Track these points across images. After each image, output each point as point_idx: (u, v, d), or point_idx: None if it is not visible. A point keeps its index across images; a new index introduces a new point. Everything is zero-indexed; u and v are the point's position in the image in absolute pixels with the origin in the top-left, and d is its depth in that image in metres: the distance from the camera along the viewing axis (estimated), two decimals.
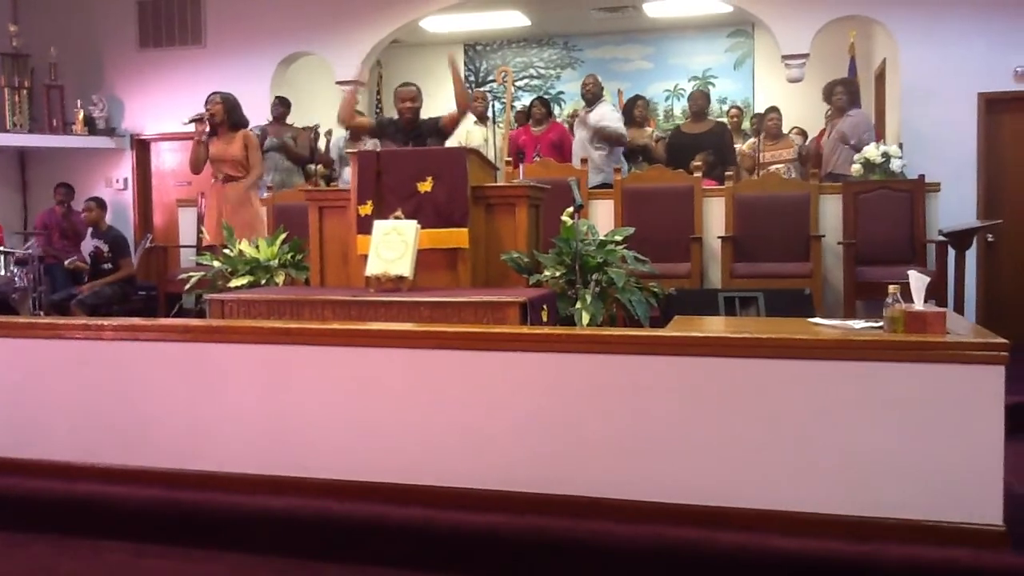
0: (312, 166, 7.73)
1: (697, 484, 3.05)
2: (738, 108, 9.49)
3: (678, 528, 2.98)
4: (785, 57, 7.26)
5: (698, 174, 6.57)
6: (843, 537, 2.87)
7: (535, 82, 10.98)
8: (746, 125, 9.10)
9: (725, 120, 8.87)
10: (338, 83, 8.07)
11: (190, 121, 5.96)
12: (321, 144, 8.03)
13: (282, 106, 7.84)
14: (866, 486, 2.92)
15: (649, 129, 8.27)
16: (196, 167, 6.08)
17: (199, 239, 6.81)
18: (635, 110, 8.04)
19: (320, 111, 8.52)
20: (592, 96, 7.29)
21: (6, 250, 7.24)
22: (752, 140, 7.80)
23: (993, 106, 6.80)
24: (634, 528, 3.00)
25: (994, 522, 2.83)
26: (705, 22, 9.95)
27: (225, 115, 5.97)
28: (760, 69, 10.26)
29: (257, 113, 7.11)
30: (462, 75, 6.30)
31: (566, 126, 8.12)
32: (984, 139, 6.80)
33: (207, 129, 5.97)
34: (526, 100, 10.38)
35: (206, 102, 6.06)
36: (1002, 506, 2.84)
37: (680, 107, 10.42)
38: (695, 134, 7.54)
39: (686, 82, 10.47)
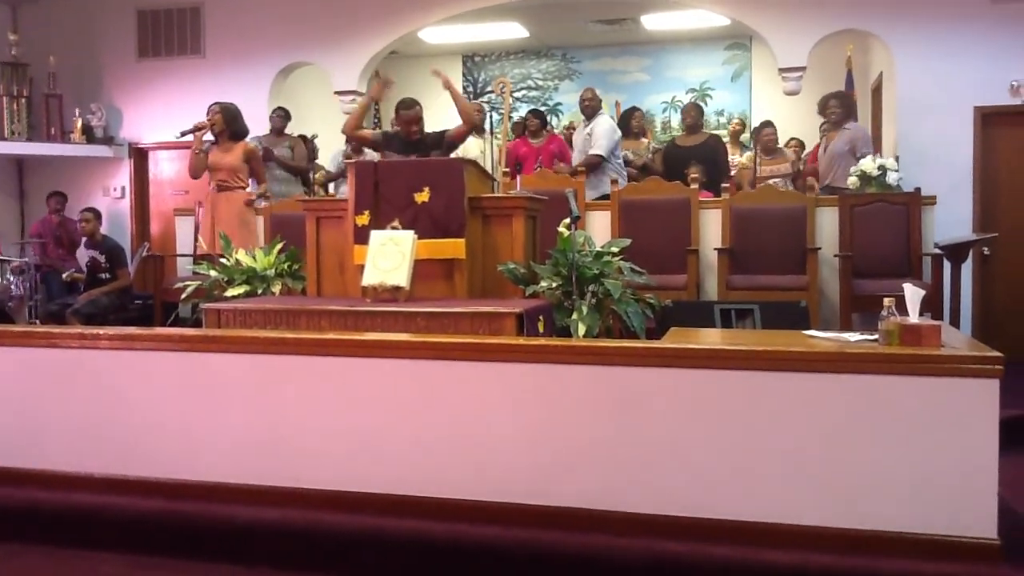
0: (313, 175, 7.74)
1: (691, 496, 3.05)
2: (740, 120, 9.52)
3: (672, 541, 2.97)
4: (782, 70, 7.28)
5: (695, 186, 6.58)
6: (837, 550, 2.87)
7: (533, 93, 11.03)
8: (745, 136, 9.14)
9: (720, 132, 8.90)
10: (336, 93, 8.10)
11: (183, 135, 6.00)
12: (322, 158, 8.03)
13: (281, 117, 7.83)
14: (860, 499, 2.92)
15: (645, 141, 8.29)
16: (195, 173, 6.14)
17: (195, 248, 6.81)
18: (632, 121, 8.08)
19: (318, 121, 8.52)
20: (591, 110, 7.31)
21: (3, 258, 7.23)
22: (750, 153, 7.82)
23: (989, 120, 6.82)
24: (628, 541, 3.00)
25: (989, 536, 2.84)
26: (703, 35, 9.99)
27: (225, 125, 6.03)
28: (758, 81, 10.30)
29: (256, 123, 7.12)
30: (460, 90, 6.29)
31: (563, 138, 8.14)
32: (980, 153, 6.82)
33: (207, 138, 6.02)
34: (524, 111, 10.44)
35: (207, 112, 6.10)
36: (997, 520, 2.85)
37: (678, 119, 10.46)
38: (689, 147, 7.57)
39: (684, 94, 10.52)
